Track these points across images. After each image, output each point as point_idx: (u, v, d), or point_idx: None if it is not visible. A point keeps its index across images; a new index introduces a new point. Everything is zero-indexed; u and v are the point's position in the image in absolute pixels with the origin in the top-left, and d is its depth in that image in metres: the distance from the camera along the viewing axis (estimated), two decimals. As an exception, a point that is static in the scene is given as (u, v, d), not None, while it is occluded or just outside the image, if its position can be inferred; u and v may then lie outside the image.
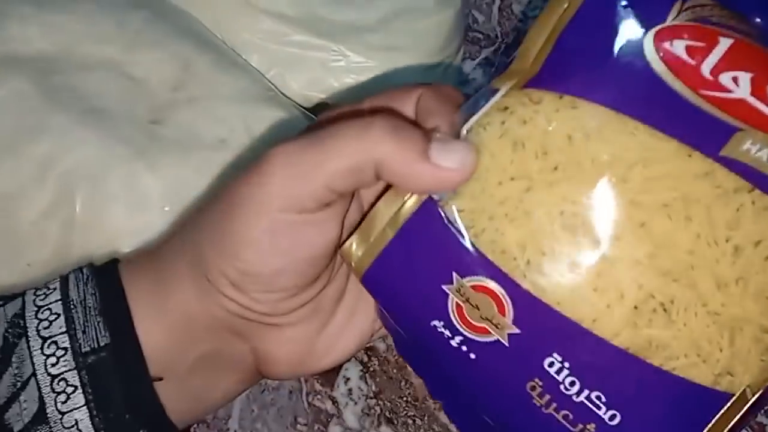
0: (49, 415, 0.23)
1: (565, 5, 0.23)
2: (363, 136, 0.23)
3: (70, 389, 0.23)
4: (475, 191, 0.23)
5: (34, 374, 0.23)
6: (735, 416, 0.22)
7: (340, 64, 0.41)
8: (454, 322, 0.24)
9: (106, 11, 0.38)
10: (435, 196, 0.24)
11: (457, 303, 0.23)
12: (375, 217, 0.25)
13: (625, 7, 0.22)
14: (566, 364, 0.23)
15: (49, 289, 0.26)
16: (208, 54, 0.38)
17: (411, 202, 0.24)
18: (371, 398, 0.40)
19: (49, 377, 0.23)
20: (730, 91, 0.22)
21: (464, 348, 0.24)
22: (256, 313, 0.25)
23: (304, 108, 0.41)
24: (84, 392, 0.23)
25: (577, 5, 0.23)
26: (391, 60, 0.41)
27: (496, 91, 0.24)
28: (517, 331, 0.23)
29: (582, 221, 0.22)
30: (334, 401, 0.40)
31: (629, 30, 0.22)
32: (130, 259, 0.27)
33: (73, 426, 0.23)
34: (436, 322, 0.24)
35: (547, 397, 0.23)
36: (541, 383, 0.23)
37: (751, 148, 0.22)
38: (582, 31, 0.23)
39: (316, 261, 0.25)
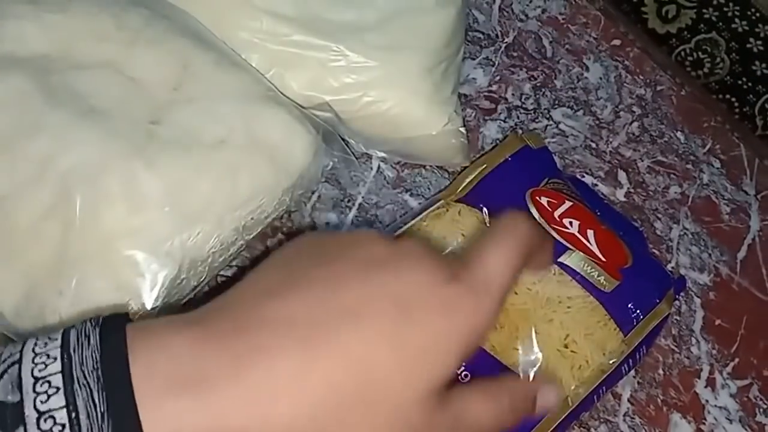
0: None
1: (484, 165, 0.43)
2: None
3: None
4: None
5: None
6: (561, 416, 0.37)
7: (340, 63, 0.41)
8: None
9: (104, 10, 0.38)
10: None
11: None
12: None
13: (519, 173, 0.43)
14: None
15: (50, 386, 0.23)
16: (207, 53, 0.38)
17: None
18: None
19: None
20: (567, 228, 0.40)
21: None
22: None
23: (304, 108, 0.41)
24: None
25: (495, 165, 0.43)
26: (392, 60, 0.41)
27: (438, 200, 0.42)
28: None
29: None
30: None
31: (521, 186, 0.42)
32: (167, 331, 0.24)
33: None
34: None
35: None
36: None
37: (575, 259, 0.40)
38: (496, 180, 0.42)
39: None
